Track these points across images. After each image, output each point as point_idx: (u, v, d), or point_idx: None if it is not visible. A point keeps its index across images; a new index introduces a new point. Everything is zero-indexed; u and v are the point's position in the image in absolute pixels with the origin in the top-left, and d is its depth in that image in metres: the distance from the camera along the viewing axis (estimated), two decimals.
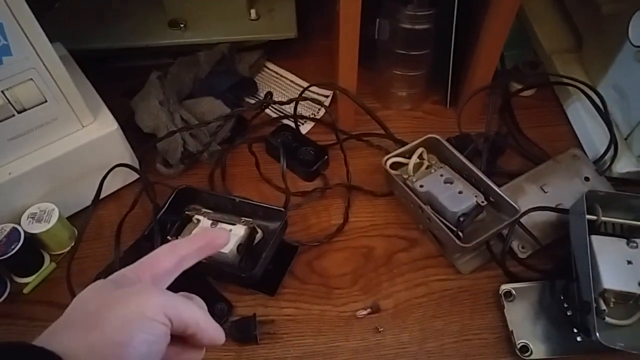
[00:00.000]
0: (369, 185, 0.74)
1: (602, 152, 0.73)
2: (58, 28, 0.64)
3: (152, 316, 0.33)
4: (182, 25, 0.83)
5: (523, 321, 0.62)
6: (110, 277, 0.36)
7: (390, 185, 0.71)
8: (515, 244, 0.67)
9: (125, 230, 0.69)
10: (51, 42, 0.57)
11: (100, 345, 0.31)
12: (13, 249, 0.61)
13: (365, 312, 0.63)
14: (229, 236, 0.41)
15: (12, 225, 0.63)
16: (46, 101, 0.60)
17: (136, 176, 0.73)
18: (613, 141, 0.72)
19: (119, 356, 0.31)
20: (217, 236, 0.40)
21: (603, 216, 0.62)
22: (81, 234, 0.68)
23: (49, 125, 0.63)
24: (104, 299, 0.34)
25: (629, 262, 0.59)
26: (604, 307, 0.57)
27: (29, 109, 0.59)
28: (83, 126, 0.66)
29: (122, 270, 0.37)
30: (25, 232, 0.62)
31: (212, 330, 0.36)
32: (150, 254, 0.38)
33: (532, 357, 0.59)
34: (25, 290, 0.65)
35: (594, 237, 0.61)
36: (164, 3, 0.82)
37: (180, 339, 0.36)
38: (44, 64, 0.57)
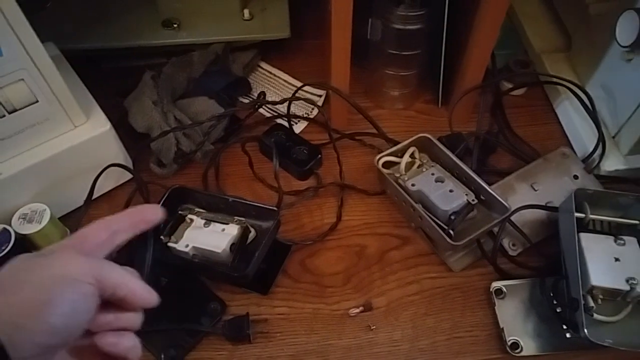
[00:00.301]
0: (361, 184, 0.74)
1: (590, 150, 0.73)
2: (51, 28, 0.64)
3: (75, 276, 0.33)
4: (175, 25, 0.82)
5: (513, 318, 0.62)
6: (38, 252, 0.37)
7: (383, 184, 0.71)
8: (506, 242, 0.68)
9: None
10: (43, 42, 0.57)
11: (21, 306, 0.31)
12: (3, 250, 0.60)
13: (357, 310, 0.63)
14: (162, 211, 0.41)
15: (2, 226, 0.62)
16: (37, 101, 0.60)
17: (129, 176, 0.73)
18: (601, 140, 0.72)
19: (41, 315, 0.31)
20: (151, 212, 0.41)
21: (591, 214, 0.63)
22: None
23: (41, 126, 0.62)
24: (26, 266, 0.34)
25: (617, 259, 0.59)
26: (592, 303, 0.58)
27: (20, 109, 0.59)
28: (75, 126, 0.66)
29: (51, 245, 0.37)
30: (16, 232, 0.62)
31: (142, 290, 0.37)
32: (83, 229, 0.38)
33: (522, 353, 0.59)
34: None
35: (582, 234, 0.61)
36: (158, 3, 0.82)
37: (114, 305, 0.36)
38: (35, 65, 0.57)
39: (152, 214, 0.41)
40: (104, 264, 0.35)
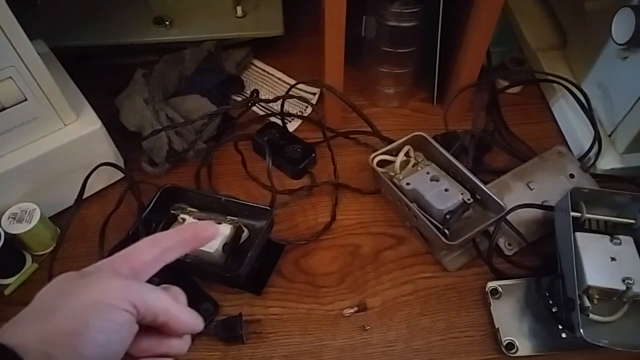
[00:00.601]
0: (356, 183, 0.73)
1: (586, 149, 0.73)
2: (41, 25, 0.63)
3: (112, 302, 0.31)
4: (167, 23, 0.81)
5: (509, 318, 0.61)
6: (82, 270, 0.34)
7: (377, 182, 0.71)
8: (501, 241, 0.67)
9: (110, 229, 0.68)
10: (33, 39, 0.55)
11: (52, 335, 0.29)
12: None
13: (352, 311, 0.62)
14: (217, 229, 0.38)
15: None
16: (26, 100, 0.58)
17: (121, 175, 0.72)
18: (597, 138, 0.72)
19: (73, 346, 0.29)
20: (204, 229, 0.38)
21: (587, 213, 0.62)
22: (64, 233, 0.67)
23: (30, 124, 0.61)
24: (63, 289, 0.32)
25: (613, 259, 0.59)
26: (588, 303, 0.57)
27: (9, 107, 0.58)
28: (65, 125, 0.64)
29: (98, 262, 0.35)
30: (5, 232, 0.61)
31: (185, 317, 0.35)
32: (131, 246, 0.36)
33: (518, 354, 0.59)
34: (7, 292, 0.63)
35: (578, 234, 0.60)
36: (149, 0, 0.81)
37: (155, 330, 0.34)
38: (24, 63, 0.56)
39: (207, 230, 0.38)
40: (143, 289, 0.33)
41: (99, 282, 0.32)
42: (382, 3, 0.69)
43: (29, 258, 0.66)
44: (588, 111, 0.74)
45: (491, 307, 0.62)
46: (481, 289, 0.64)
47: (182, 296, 0.37)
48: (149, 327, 0.34)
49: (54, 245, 0.67)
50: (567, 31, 0.84)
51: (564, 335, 0.58)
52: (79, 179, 0.68)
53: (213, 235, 0.38)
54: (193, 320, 0.36)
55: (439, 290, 0.64)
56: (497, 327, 0.60)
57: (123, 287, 0.32)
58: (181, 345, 0.36)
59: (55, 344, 0.29)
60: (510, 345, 0.59)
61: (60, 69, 0.68)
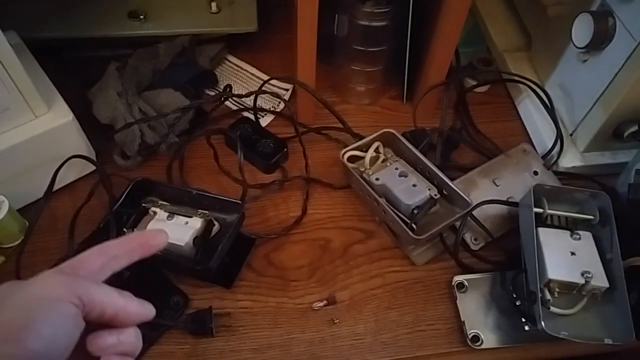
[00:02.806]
0: (327, 178, 0.71)
1: (549, 147, 0.72)
2: (14, 16, 0.60)
3: (56, 295, 0.30)
4: (142, 17, 0.78)
5: (475, 311, 0.61)
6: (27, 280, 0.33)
7: (348, 178, 0.69)
8: (468, 236, 0.66)
9: (80, 222, 0.65)
10: (5, 30, 0.53)
11: None
12: None
13: (321, 304, 0.61)
14: (166, 238, 0.37)
15: None
16: None
17: (92, 168, 0.69)
18: (559, 137, 0.71)
19: (20, 340, 0.28)
20: (152, 237, 0.37)
21: (549, 209, 0.62)
22: (32, 226, 0.64)
23: (0, 115, 0.58)
24: (7, 290, 0.31)
25: (573, 253, 0.59)
26: (549, 296, 0.57)
27: None
28: (36, 116, 0.61)
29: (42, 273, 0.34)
30: None
31: (134, 306, 0.34)
32: (79, 255, 0.35)
33: (482, 346, 0.58)
34: None
35: (540, 229, 0.60)
36: None
37: (106, 327, 0.33)
38: None
39: (155, 239, 0.37)
40: (87, 282, 0.32)
41: (43, 279, 0.31)
42: (354, 2, 0.68)
43: None
44: (551, 111, 0.73)
45: (457, 301, 0.61)
46: (448, 283, 0.63)
47: (129, 294, 0.35)
48: (104, 326, 0.33)
49: (22, 237, 0.63)
50: (531, 34, 0.84)
51: (527, 327, 0.58)
52: (49, 171, 0.65)
53: (161, 244, 0.37)
54: (142, 309, 0.34)
55: (406, 284, 0.63)
56: (462, 320, 0.60)
57: (66, 281, 0.31)
58: (137, 338, 0.35)
59: (1, 338, 0.28)
60: (476, 338, 0.58)
61: (33, 60, 0.65)
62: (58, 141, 0.63)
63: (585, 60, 0.69)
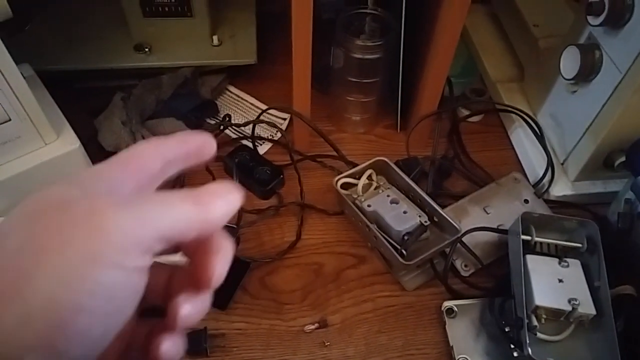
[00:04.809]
0: (321, 204, 0.73)
1: (541, 175, 0.74)
2: (28, 49, 0.63)
3: (117, 259, 0.20)
4: (147, 50, 0.82)
5: (464, 337, 0.61)
6: (74, 178, 0.24)
7: (341, 204, 0.71)
8: (458, 263, 0.67)
9: None
10: (20, 62, 0.56)
11: (21, 327, 0.19)
12: None
13: (313, 327, 0.62)
14: (215, 145, 0.29)
15: None
16: (10, 120, 0.58)
17: None
18: (550, 166, 0.73)
19: (53, 346, 0.19)
20: (206, 142, 0.29)
21: (537, 237, 0.63)
22: None
23: (12, 143, 0.61)
24: (35, 234, 0.20)
25: (560, 281, 0.59)
26: (536, 323, 0.57)
27: None
28: (46, 144, 0.64)
29: (99, 166, 0.24)
30: None
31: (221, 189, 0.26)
32: (132, 151, 0.26)
33: None
34: None
35: (528, 256, 0.61)
36: (130, 28, 0.81)
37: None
38: (9, 85, 0.56)
39: (209, 145, 0.29)
40: (160, 214, 0.23)
41: (100, 219, 0.21)
42: (348, 37, 0.71)
43: None
44: (542, 140, 0.75)
45: (446, 326, 0.62)
46: (437, 308, 0.64)
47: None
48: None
49: None
50: (524, 65, 0.86)
51: (515, 354, 0.58)
52: None
53: (212, 152, 0.29)
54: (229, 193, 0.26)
55: (397, 309, 0.64)
56: (451, 345, 0.60)
57: (135, 225, 0.21)
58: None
59: (22, 338, 0.18)
60: None
61: (44, 91, 0.68)
62: (66, 167, 0.66)
63: (575, 91, 0.70)
